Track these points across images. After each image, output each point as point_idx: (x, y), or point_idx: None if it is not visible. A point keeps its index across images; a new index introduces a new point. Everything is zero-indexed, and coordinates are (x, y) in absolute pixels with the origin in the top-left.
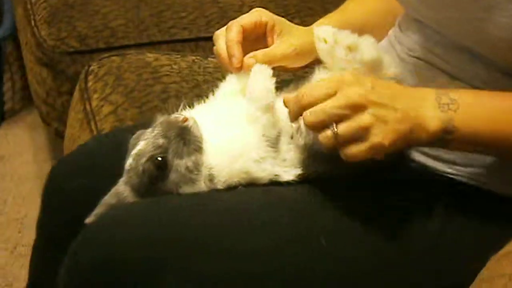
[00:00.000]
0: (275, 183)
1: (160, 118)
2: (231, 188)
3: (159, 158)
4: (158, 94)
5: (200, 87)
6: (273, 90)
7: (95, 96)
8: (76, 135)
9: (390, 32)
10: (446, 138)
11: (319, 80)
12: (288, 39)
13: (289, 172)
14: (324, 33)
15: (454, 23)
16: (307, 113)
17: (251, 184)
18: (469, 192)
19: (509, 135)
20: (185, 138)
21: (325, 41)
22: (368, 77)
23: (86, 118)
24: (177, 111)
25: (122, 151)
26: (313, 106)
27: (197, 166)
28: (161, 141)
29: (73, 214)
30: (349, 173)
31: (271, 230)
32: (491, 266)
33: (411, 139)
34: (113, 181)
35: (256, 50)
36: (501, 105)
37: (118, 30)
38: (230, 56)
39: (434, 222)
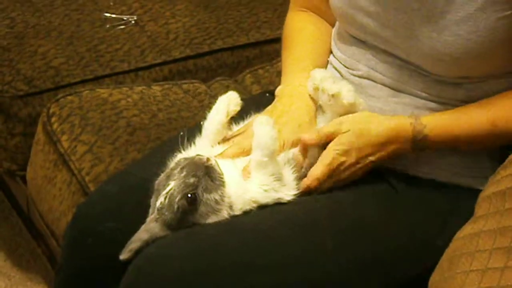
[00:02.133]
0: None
1: (183, 160)
2: (246, 213)
3: (191, 195)
4: (125, 129)
5: (157, 117)
6: (277, 138)
7: (65, 137)
8: (52, 175)
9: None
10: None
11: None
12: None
13: (289, 193)
14: (313, 79)
15: (404, 42)
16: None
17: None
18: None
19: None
20: (211, 176)
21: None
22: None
23: (61, 159)
24: (183, 147)
25: (138, 193)
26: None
27: (223, 198)
28: (192, 180)
29: (101, 255)
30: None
31: (288, 243)
32: (456, 246)
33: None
34: (136, 222)
35: None
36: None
37: (61, 69)
38: None
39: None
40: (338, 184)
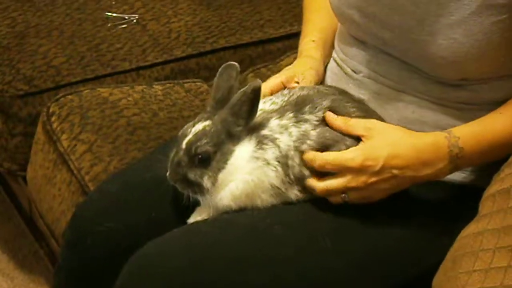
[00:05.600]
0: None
1: None
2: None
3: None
4: (125, 128)
5: (158, 116)
6: None
7: (64, 136)
8: (51, 175)
9: (333, 51)
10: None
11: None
12: (306, 77)
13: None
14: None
15: (401, 43)
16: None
17: None
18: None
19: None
20: None
21: None
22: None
23: (60, 159)
24: None
25: (138, 192)
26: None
27: None
28: None
29: (100, 255)
30: None
31: (288, 241)
32: (459, 245)
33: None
34: (136, 221)
35: None
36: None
37: (62, 68)
38: None
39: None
40: (357, 196)
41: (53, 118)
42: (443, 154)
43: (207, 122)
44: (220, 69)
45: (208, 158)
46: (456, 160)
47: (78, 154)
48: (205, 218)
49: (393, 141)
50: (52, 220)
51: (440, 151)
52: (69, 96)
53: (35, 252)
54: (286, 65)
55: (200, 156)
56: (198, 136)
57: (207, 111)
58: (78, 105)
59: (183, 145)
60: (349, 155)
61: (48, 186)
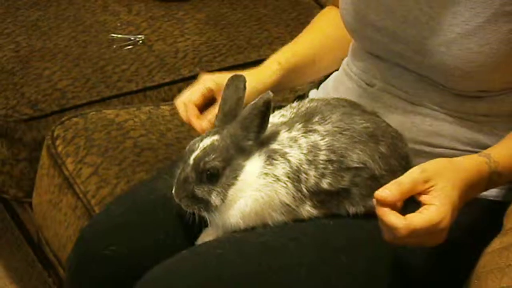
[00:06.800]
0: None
1: None
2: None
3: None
4: (132, 149)
5: (166, 136)
6: None
7: (69, 160)
8: (57, 200)
9: (344, 63)
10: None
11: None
12: None
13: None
14: None
15: (415, 56)
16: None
17: None
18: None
19: None
20: None
21: None
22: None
23: (66, 183)
24: None
25: (144, 214)
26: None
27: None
28: None
29: (106, 279)
30: None
31: (302, 259)
32: (484, 261)
33: None
34: (142, 244)
35: None
36: None
37: (67, 91)
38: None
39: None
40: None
41: (58, 142)
42: (484, 180)
43: (216, 137)
44: (227, 81)
45: (217, 174)
46: (492, 184)
47: (83, 178)
48: (214, 238)
49: (453, 181)
50: (58, 247)
51: (482, 177)
52: (74, 119)
53: (44, 282)
54: None
55: (208, 172)
56: (207, 151)
57: (215, 125)
58: (83, 127)
59: (191, 161)
60: (436, 218)
61: (54, 211)
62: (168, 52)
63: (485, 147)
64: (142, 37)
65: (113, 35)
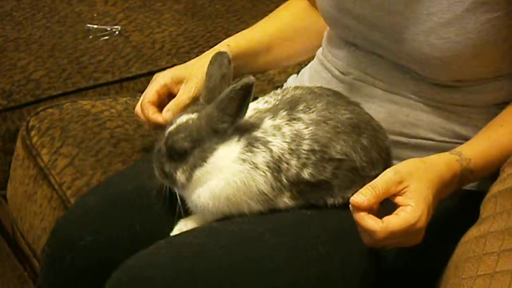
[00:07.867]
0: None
1: None
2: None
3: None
4: (108, 140)
5: (143, 127)
6: None
7: (44, 151)
8: (32, 191)
9: (318, 53)
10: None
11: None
12: (189, 83)
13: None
14: None
15: (392, 44)
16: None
17: None
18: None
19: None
20: None
21: None
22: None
23: (41, 174)
24: None
25: (119, 204)
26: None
27: None
28: None
29: (81, 271)
30: None
31: (281, 249)
32: (461, 250)
33: None
34: (118, 234)
35: None
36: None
37: (42, 82)
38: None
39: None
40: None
41: (32, 132)
42: (455, 177)
43: (194, 115)
44: (211, 58)
45: (184, 153)
46: (464, 181)
47: (59, 169)
48: (190, 228)
49: (426, 181)
50: (33, 239)
51: (455, 175)
52: (49, 110)
53: (19, 276)
54: (273, 74)
55: (174, 150)
56: (179, 129)
57: (200, 102)
58: (58, 118)
59: (166, 134)
60: (412, 219)
61: (29, 203)
62: (145, 43)
63: (462, 137)
64: (119, 27)
65: (89, 25)
